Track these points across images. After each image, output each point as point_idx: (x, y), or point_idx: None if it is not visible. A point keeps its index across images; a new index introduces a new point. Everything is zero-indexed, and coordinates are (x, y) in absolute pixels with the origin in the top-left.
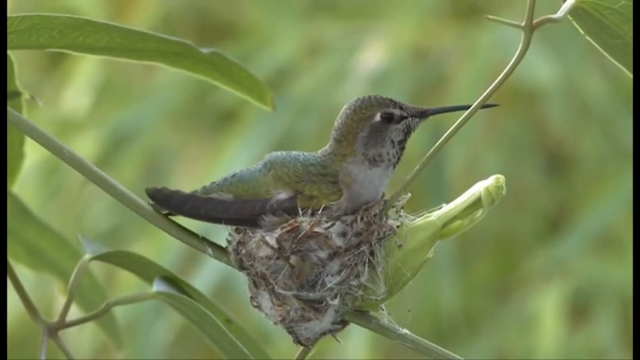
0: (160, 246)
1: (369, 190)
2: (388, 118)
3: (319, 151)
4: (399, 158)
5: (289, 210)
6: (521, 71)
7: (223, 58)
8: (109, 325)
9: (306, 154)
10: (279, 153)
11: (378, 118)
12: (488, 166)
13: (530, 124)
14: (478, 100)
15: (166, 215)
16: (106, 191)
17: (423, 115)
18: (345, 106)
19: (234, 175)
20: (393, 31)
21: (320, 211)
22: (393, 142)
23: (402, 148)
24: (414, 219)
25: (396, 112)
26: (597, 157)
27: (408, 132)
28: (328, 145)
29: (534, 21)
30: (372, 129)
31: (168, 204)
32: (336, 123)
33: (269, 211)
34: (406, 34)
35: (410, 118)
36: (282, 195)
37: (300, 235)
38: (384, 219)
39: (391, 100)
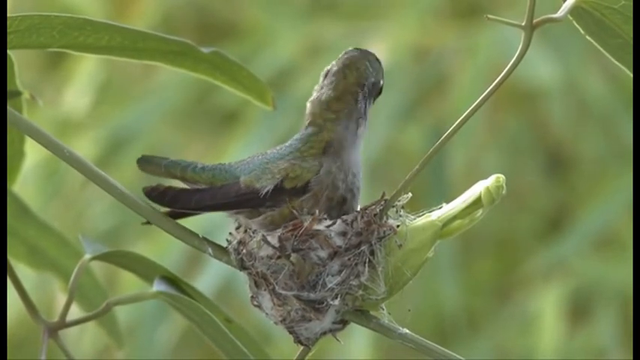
0: (162, 247)
1: None
2: None
3: None
4: None
5: (282, 196)
6: (522, 71)
7: (224, 57)
8: (109, 325)
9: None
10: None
11: None
12: (488, 166)
13: (530, 124)
14: (478, 100)
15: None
16: (107, 191)
17: None
18: None
19: (203, 168)
20: (394, 31)
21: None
22: None
23: None
24: (415, 219)
25: None
26: (597, 157)
27: None
28: None
29: (535, 21)
30: None
31: (162, 201)
32: None
33: (264, 202)
34: (406, 34)
35: None
36: (269, 187)
37: (301, 232)
38: (384, 218)
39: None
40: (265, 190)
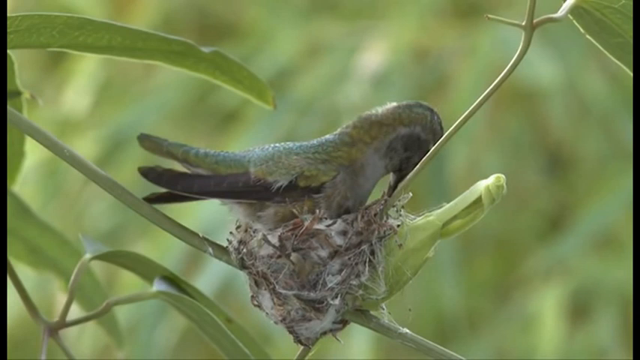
0: (162, 247)
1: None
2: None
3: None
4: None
5: (293, 193)
6: (522, 71)
7: (224, 57)
8: (109, 325)
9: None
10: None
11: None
12: (488, 166)
13: (530, 124)
14: (478, 100)
15: (161, 200)
16: (107, 191)
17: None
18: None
19: (206, 153)
20: (394, 31)
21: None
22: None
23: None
24: (415, 218)
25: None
26: (597, 157)
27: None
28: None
29: (535, 20)
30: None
31: (159, 181)
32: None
33: (274, 196)
34: (407, 34)
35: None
36: (283, 182)
37: (301, 231)
38: (385, 218)
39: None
40: (278, 185)
